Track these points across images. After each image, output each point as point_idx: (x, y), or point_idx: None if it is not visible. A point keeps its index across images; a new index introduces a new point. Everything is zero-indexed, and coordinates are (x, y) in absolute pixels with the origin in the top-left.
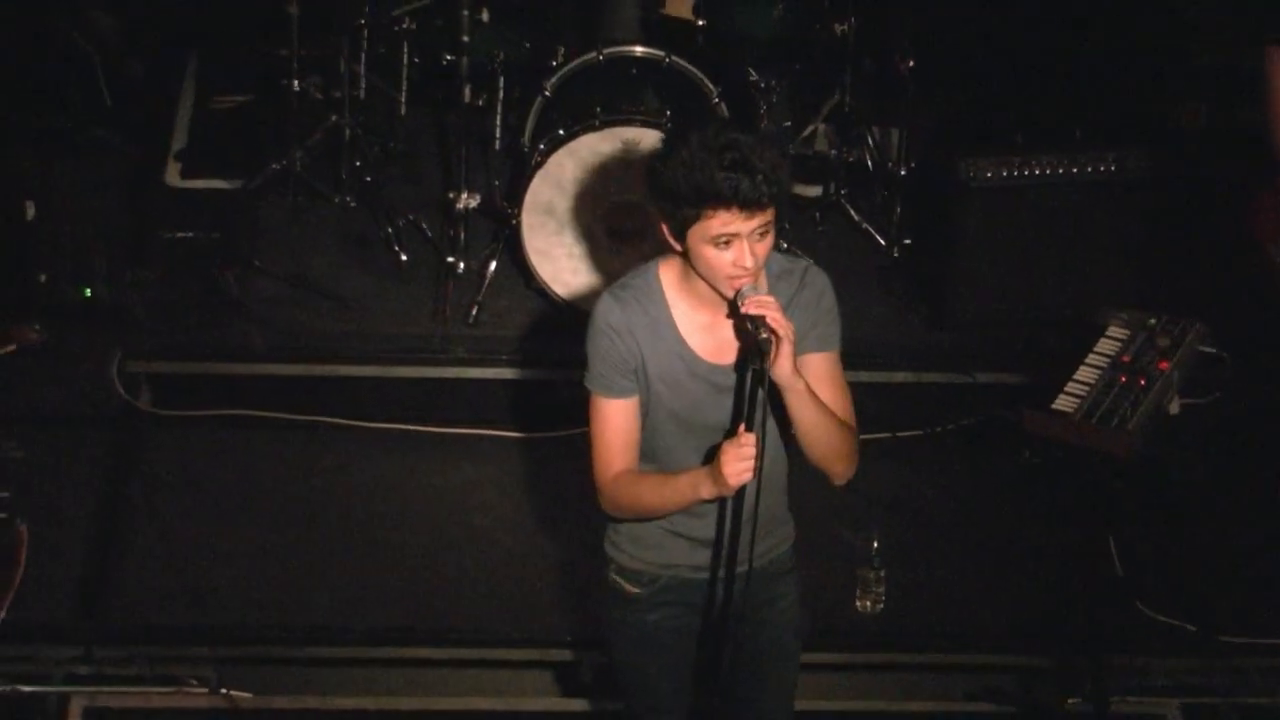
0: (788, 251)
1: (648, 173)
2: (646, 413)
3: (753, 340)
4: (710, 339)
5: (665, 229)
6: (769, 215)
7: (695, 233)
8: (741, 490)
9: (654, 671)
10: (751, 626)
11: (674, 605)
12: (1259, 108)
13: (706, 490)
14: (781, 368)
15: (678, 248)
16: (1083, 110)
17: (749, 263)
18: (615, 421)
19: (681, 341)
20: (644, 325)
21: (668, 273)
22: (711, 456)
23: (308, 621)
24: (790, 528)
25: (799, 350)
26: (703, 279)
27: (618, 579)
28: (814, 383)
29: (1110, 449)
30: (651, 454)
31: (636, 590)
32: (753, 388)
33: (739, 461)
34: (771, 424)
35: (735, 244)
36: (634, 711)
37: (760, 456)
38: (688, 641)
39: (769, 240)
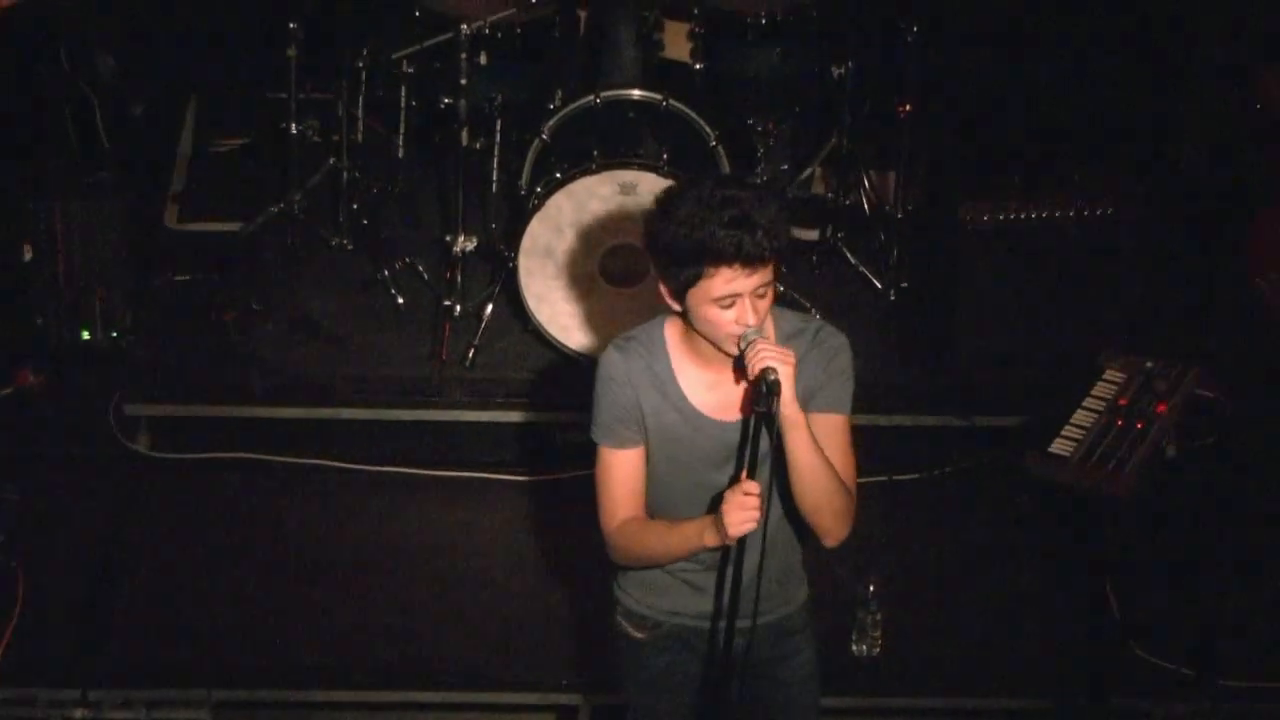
0: (800, 309)
1: (645, 234)
2: (648, 465)
3: (759, 382)
4: (715, 396)
5: (665, 290)
6: (770, 272)
7: (696, 293)
8: (743, 542)
9: (661, 715)
10: (762, 683)
11: (679, 651)
12: (1257, 136)
13: (710, 539)
14: (782, 398)
15: (676, 308)
16: (1082, 152)
17: (751, 320)
18: (620, 472)
19: (684, 398)
20: (646, 379)
21: (673, 329)
22: (712, 510)
23: (305, 664)
24: (804, 587)
25: (807, 408)
26: (704, 338)
27: (623, 622)
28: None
29: (1107, 492)
30: (651, 507)
31: (641, 635)
32: (757, 431)
33: (741, 510)
34: (780, 481)
35: (738, 303)
36: None
37: (766, 506)
38: (695, 687)
39: (770, 297)
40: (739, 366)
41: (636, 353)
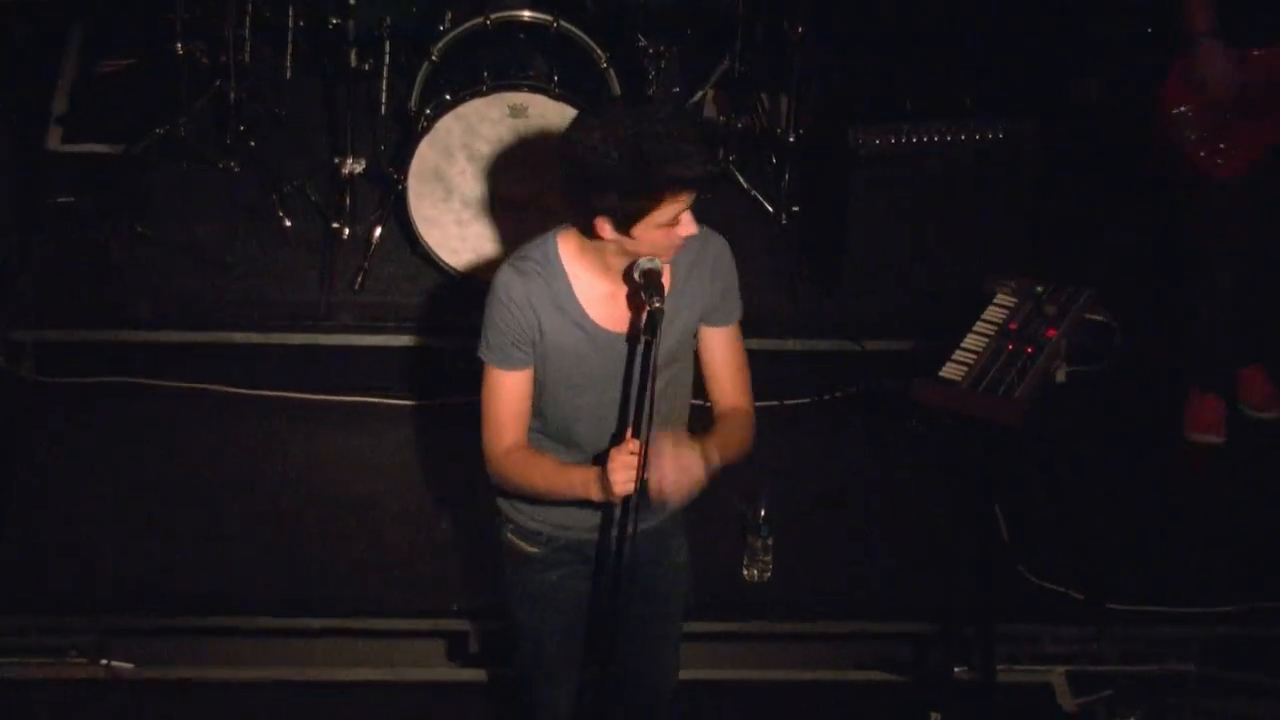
0: None
1: (578, 174)
2: (541, 382)
3: (644, 309)
4: (612, 308)
5: (606, 224)
6: None
7: (649, 221)
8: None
9: (551, 632)
10: (642, 584)
11: (571, 564)
12: None
13: (595, 493)
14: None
15: (609, 236)
16: (974, 78)
17: (695, 229)
18: (509, 394)
19: (583, 313)
20: (545, 297)
21: (567, 244)
22: (603, 415)
23: (192, 591)
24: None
25: (707, 323)
26: (630, 254)
27: (514, 539)
28: (721, 357)
29: (997, 417)
30: (544, 415)
31: (534, 550)
32: (643, 366)
33: (625, 470)
34: (671, 382)
35: (681, 217)
36: (527, 677)
37: (642, 465)
38: (582, 603)
39: None
40: (628, 278)
41: (534, 273)
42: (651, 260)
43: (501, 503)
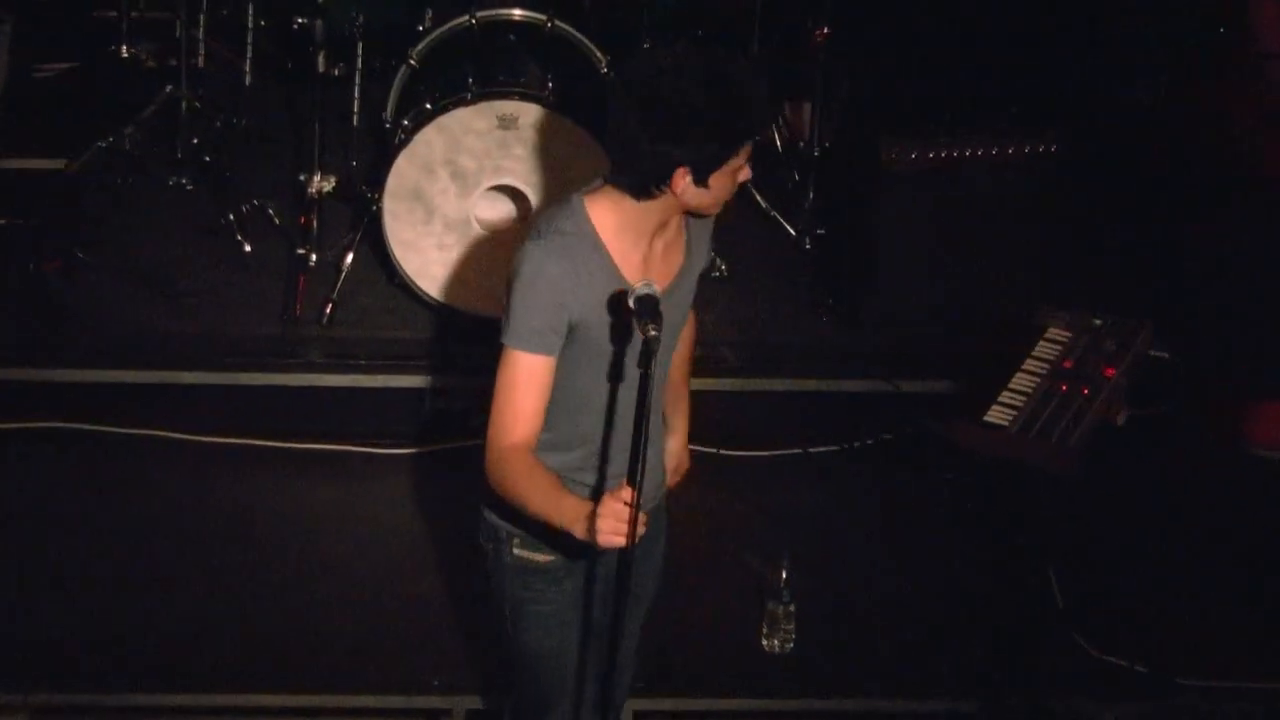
0: None
1: (667, 127)
2: (564, 359)
3: (631, 329)
4: (647, 270)
5: (686, 175)
6: None
7: (727, 168)
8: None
9: (565, 651)
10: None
11: (581, 571)
12: None
13: (579, 533)
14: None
15: (686, 190)
16: (1017, 85)
17: (749, 171)
18: (532, 381)
19: (622, 279)
20: (585, 272)
21: (597, 209)
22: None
23: (136, 663)
24: (661, 455)
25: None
26: (692, 211)
27: (524, 552)
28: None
29: (1050, 466)
30: (564, 392)
31: (550, 558)
32: (640, 400)
33: (616, 521)
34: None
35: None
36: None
37: (635, 521)
38: (580, 614)
39: None
40: (618, 301)
41: (572, 247)
42: (648, 285)
43: (499, 518)
